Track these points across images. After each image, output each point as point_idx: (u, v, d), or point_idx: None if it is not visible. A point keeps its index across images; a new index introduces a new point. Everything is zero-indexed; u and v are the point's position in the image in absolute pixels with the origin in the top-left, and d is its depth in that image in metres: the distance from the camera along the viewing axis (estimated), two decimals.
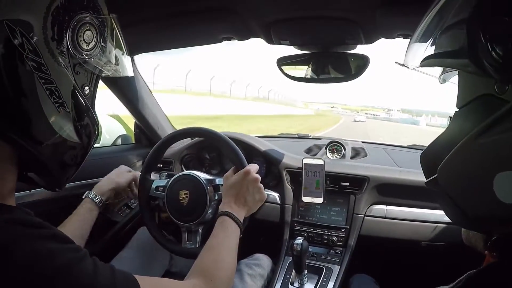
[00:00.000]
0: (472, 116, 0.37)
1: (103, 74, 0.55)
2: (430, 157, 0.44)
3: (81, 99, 0.51)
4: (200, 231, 0.98)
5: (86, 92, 0.52)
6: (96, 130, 0.56)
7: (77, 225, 0.85)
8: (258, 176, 0.85)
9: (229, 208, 0.81)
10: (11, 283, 0.40)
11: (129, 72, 0.63)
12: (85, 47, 0.50)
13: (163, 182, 1.02)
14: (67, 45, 0.47)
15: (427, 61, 0.41)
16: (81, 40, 0.49)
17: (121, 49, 0.59)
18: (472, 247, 0.50)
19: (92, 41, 0.51)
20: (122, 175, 1.03)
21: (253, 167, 0.86)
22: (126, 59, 0.61)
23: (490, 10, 0.33)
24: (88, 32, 0.50)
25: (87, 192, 0.95)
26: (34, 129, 0.46)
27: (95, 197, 0.93)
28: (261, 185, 0.85)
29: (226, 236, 0.75)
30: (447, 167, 0.38)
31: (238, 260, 1.10)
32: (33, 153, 0.46)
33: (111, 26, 0.55)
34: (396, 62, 0.51)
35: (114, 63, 0.57)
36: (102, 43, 0.53)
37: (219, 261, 0.69)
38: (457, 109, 0.41)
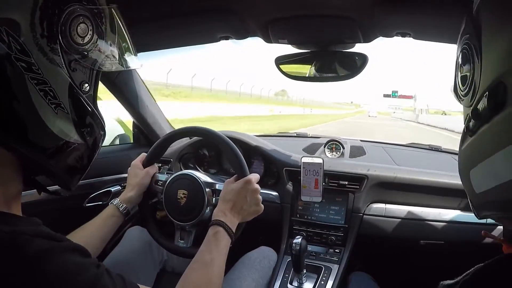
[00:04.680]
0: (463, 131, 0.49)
1: (104, 69, 0.51)
2: None
3: (80, 97, 0.47)
4: (194, 232, 0.98)
5: (86, 90, 0.48)
6: (101, 128, 0.53)
7: (95, 228, 0.83)
8: (258, 187, 0.85)
9: (224, 216, 0.79)
10: None
11: (135, 64, 0.59)
12: (80, 42, 0.46)
13: (163, 177, 1.02)
14: (59, 41, 0.44)
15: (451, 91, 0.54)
16: (74, 34, 0.45)
17: (123, 40, 0.55)
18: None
19: (87, 34, 0.47)
20: (138, 175, 0.97)
21: (254, 177, 0.86)
22: (130, 51, 0.57)
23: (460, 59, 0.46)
24: (82, 25, 0.46)
25: (113, 199, 0.92)
26: (32, 133, 0.43)
27: (120, 205, 0.90)
28: (260, 197, 0.85)
29: (219, 252, 0.73)
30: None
31: (243, 253, 1.11)
32: (33, 159, 0.44)
33: (110, 16, 0.51)
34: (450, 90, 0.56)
35: (116, 56, 0.53)
36: (99, 36, 0.49)
37: (211, 280, 0.68)
38: None
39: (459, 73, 0.46)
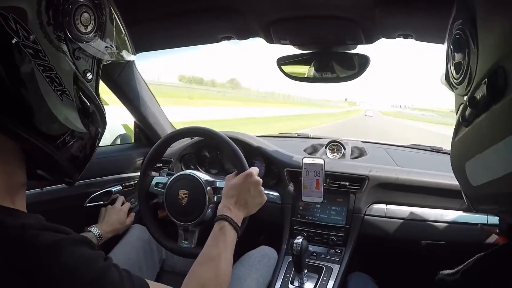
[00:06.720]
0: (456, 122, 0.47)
1: (105, 58, 0.53)
2: None
3: (84, 85, 0.48)
4: (197, 231, 0.98)
5: (89, 78, 0.50)
6: (102, 117, 0.54)
7: None
8: (259, 179, 0.85)
9: (228, 211, 0.79)
10: (55, 285, 0.40)
11: (131, 56, 0.61)
12: (83, 30, 0.47)
13: (163, 179, 1.02)
14: (64, 29, 0.45)
15: (443, 81, 0.52)
16: (78, 23, 0.46)
17: (120, 32, 0.57)
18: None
19: (90, 24, 0.48)
20: (122, 219, 1.15)
21: (255, 170, 0.86)
22: (127, 43, 0.59)
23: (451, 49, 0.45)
24: (85, 15, 0.48)
25: (92, 226, 1.06)
26: (37, 119, 0.43)
27: (97, 234, 1.04)
28: (262, 188, 0.85)
29: (226, 246, 0.73)
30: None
31: (243, 253, 1.12)
32: (39, 147, 0.44)
33: (108, 8, 0.53)
34: (440, 80, 0.55)
35: (115, 47, 0.55)
36: (100, 26, 0.51)
37: (219, 275, 0.68)
38: None
39: (452, 61, 0.44)
